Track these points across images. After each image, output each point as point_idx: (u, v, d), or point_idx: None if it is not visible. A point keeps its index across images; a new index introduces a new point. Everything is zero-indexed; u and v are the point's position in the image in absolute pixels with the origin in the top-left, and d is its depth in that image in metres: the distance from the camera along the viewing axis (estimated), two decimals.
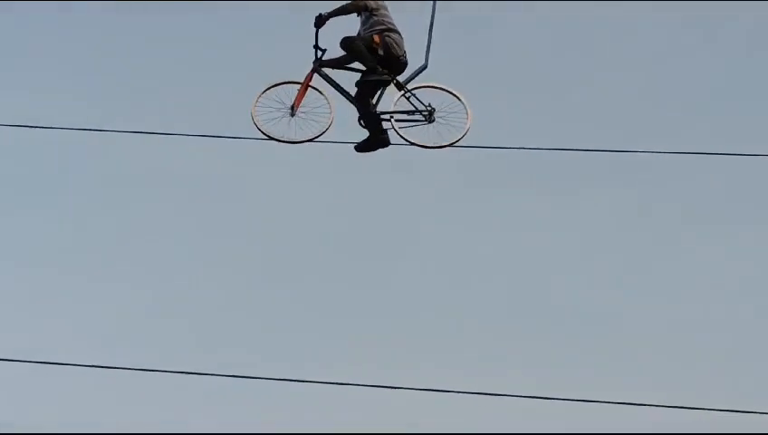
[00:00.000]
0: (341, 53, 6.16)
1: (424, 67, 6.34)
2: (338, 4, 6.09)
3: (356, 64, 6.17)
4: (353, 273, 12.58)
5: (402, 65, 6.26)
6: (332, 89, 6.17)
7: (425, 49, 6.33)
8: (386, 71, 6.12)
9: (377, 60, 6.09)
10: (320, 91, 6.13)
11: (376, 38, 6.11)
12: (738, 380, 10.51)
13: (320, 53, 6.13)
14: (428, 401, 5.66)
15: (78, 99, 13.03)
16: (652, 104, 13.63)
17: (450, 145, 6.22)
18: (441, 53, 6.47)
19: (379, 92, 6.18)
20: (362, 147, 6.23)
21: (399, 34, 6.25)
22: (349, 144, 6.18)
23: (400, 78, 6.26)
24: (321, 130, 6.03)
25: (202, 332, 11.55)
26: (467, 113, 6.24)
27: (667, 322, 11.62)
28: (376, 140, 6.19)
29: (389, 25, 6.21)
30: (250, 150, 6.47)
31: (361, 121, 6.17)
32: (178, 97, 13.40)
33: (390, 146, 6.20)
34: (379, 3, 6.24)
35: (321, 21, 6.00)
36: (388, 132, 6.20)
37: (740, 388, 10.12)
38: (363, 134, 6.16)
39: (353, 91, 6.15)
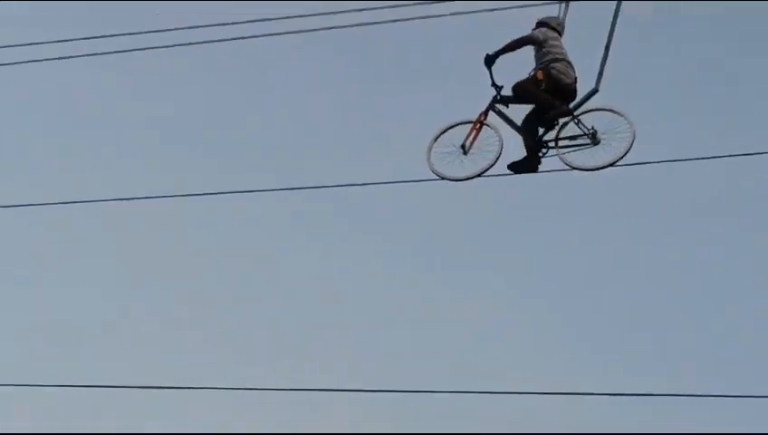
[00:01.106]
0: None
1: (595, 91, 6.38)
2: (509, 42, 6.55)
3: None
4: None
5: (572, 93, 6.40)
6: (498, 117, 6.61)
7: (604, 67, 6.37)
8: (558, 102, 6.33)
9: (549, 94, 6.37)
10: (490, 127, 6.61)
11: (539, 75, 6.41)
12: None
13: (496, 90, 6.63)
14: None
15: None
16: None
17: (611, 165, 6.13)
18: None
19: (553, 117, 6.43)
20: (513, 166, 6.54)
21: (568, 62, 6.43)
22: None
23: (572, 104, 6.41)
24: (491, 164, 6.49)
25: None
26: (632, 132, 6.08)
27: None
28: (528, 164, 6.45)
29: (557, 55, 6.44)
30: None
31: (527, 142, 6.50)
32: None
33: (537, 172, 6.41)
34: (548, 35, 6.52)
35: (489, 60, 6.48)
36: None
37: None
38: None
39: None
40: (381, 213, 13.08)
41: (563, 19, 6.67)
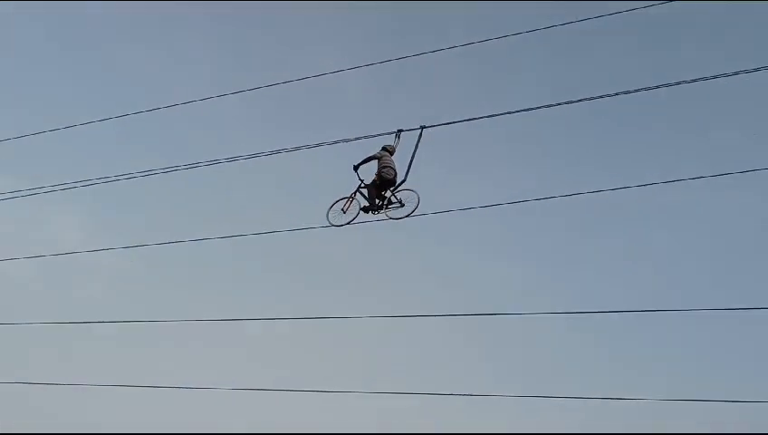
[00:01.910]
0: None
1: (403, 181, 12.79)
2: (365, 157, 13.08)
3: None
4: None
5: (393, 182, 12.82)
6: (360, 196, 13.04)
7: (409, 169, 12.82)
8: (380, 185, 12.78)
9: (381, 182, 12.82)
10: (355, 198, 13.06)
11: (376, 177, 12.91)
12: None
13: (360, 182, 13.11)
14: None
15: None
16: None
17: (408, 216, 12.45)
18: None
19: (384, 194, 12.83)
20: (367, 210, 12.87)
21: (392, 168, 12.87)
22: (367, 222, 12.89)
23: (393, 187, 12.82)
24: (354, 217, 12.89)
25: None
26: (417, 199, 12.45)
27: None
28: (373, 210, 12.81)
29: (386, 163, 12.91)
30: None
31: (368, 206, 12.88)
32: None
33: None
34: (384, 154, 13.02)
35: (356, 168, 13.08)
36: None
37: None
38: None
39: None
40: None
41: (396, 145, 13.17)
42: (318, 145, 13.06)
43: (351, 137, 12.76)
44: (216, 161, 13.31)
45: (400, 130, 13.19)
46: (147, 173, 13.81)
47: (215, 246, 12.73)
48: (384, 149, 13.15)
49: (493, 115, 12.23)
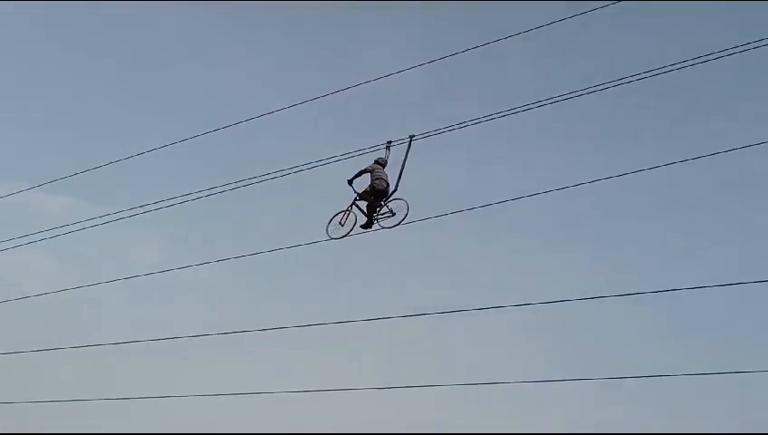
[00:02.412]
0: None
1: (395, 190, 13.26)
2: (357, 171, 13.59)
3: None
4: None
5: (385, 193, 13.30)
6: (356, 209, 13.57)
7: (400, 179, 13.30)
8: (373, 197, 13.28)
9: (373, 194, 13.33)
10: (351, 211, 13.59)
11: (369, 188, 13.40)
12: None
13: (355, 194, 13.64)
14: None
15: None
16: None
17: (397, 225, 12.91)
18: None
19: (375, 206, 13.33)
20: (363, 226, 13.38)
21: (383, 179, 13.35)
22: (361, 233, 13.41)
23: (385, 198, 13.31)
24: (350, 229, 13.45)
25: None
26: (407, 208, 12.90)
27: None
28: (369, 225, 13.30)
29: (378, 175, 13.40)
30: None
31: (366, 222, 13.39)
32: None
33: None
34: (376, 166, 13.51)
35: (350, 181, 13.62)
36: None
37: None
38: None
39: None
40: None
41: (387, 157, 13.65)
42: (388, 145, 13.69)
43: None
44: (294, 169, 13.81)
45: (390, 142, 13.69)
46: (222, 189, 14.39)
47: (295, 254, 13.44)
48: (376, 162, 13.64)
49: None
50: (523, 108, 12.08)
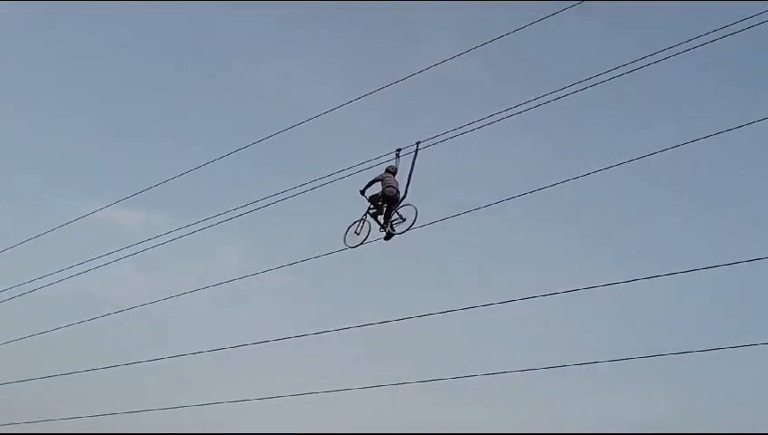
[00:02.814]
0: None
1: (404, 197, 13.63)
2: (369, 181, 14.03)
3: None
4: None
5: (395, 200, 13.69)
6: (370, 217, 13.99)
7: (408, 185, 13.67)
8: (386, 204, 13.69)
9: (385, 201, 13.74)
10: (366, 220, 14.03)
11: (379, 195, 13.81)
12: None
13: (369, 203, 14.07)
14: None
15: None
16: None
17: (407, 230, 13.28)
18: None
19: (388, 213, 13.74)
20: (386, 238, 13.78)
21: (394, 187, 13.75)
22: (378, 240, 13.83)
23: (396, 205, 13.70)
24: (366, 237, 13.89)
25: None
26: (415, 212, 13.26)
27: None
28: (388, 236, 13.72)
29: (389, 183, 13.81)
30: None
31: (382, 225, 13.81)
32: None
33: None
34: (385, 175, 13.92)
35: (362, 191, 14.08)
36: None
37: None
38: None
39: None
40: None
41: (397, 165, 14.04)
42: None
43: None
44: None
45: (399, 150, 14.08)
46: (294, 192, 14.68)
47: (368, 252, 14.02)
48: (387, 170, 14.05)
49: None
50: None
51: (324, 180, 14.24)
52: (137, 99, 37.26)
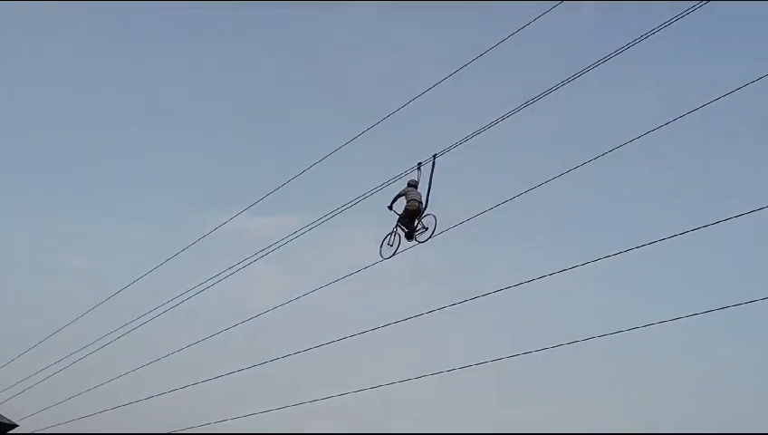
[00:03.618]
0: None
1: (425, 208, 14.86)
2: (393, 196, 15.34)
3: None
4: None
5: (418, 212, 14.94)
6: (399, 228, 15.28)
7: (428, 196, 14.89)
8: (408, 218, 14.98)
9: (408, 215, 15.03)
10: (396, 232, 15.33)
11: (404, 210, 15.11)
12: None
13: (398, 217, 15.37)
14: None
15: None
16: None
17: (428, 239, 14.51)
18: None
19: (413, 224, 15.02)
20: (408, 239, 15.06)
21: (417, 200, 15.00)
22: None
23: (419, 216, 14.95)
24: (396, 249, 15.22)
25: None
26: (435, 223, 14.48)
27: None
28: (410, 238, 14.97)
29: (411, 197, 15.08)
30: None
31: (407, 234, 15.10)
32: None
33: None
34: (408, 190, 15.19)
35: (390, 207, 15.42)
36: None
37: None
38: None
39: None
40: None
41: (419, 178, 15.27)
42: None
43: None
44: None
45: (420, 163, 15.29)
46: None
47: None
48: (409, 184, 15.30)
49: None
50: None
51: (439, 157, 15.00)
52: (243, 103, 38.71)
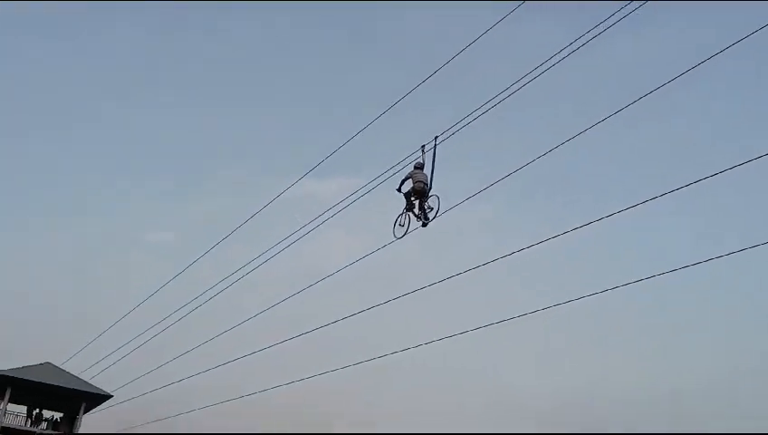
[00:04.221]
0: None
1: (430, 189, 15.54)
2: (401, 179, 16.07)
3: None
4: None
5: (424, 192, 15.65)
6: (405, 207, 16.04)
7: (432, 177, 15.58)
8: (416, 198, 15.71)
9: (415, 195, 15.76)
10: (406, 213, 16.10)
11: (412, 190, 15.83)
12: None
13: (406, 199, 16.12)
14: None
15: None
16: None
17: (433, 220, 15.22)
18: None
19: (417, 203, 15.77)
20: (423, 226, 15.80)
21: (422, 181, 15.70)
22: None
23: (424, 196, 15.67)
24: (408, 228, 16.00)
25: None
26: (438, 203, 15.19)
27: None
28: (424, 223, 15.73)
29: (418, 179, 15.80)
30: None
31: (417, 215, 15.85)
32: None
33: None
34: (414, 172, 15.91)
35: (398, 189, 16.18)
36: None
37: None
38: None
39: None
40: None
41: (423, 159, 15.95)
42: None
43: None
44: None
45: (424, 145, 15.96)
46: None
47: None
48: (415, 166, 16.00)
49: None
50: None
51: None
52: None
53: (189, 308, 25.54)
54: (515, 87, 14.15)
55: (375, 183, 16.95)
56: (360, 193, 17.37)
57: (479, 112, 14.80)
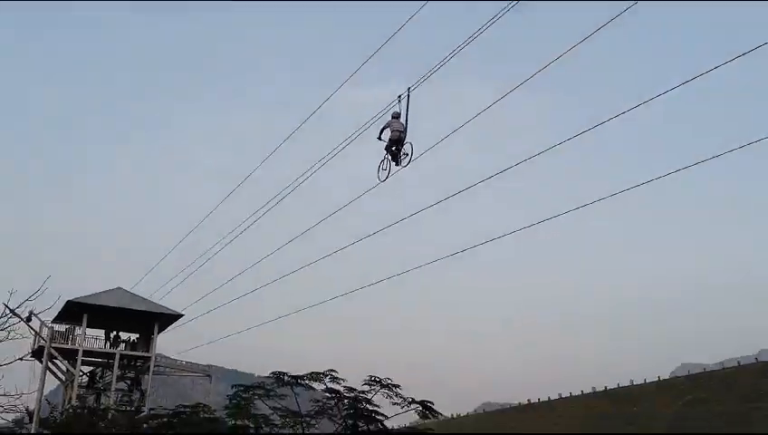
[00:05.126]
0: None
1: (405, 136, 17.19)
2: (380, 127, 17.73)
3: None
4: None
5: (401, 140, 17.33)
6: (386, 153, 17.75)
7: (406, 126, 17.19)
8: (395, 145, 17.40)
9: (393, 143, 17.45)
10: (386, 159, 17.83)
11: (389, 139, 17.50)
12: None
13: (385, 144, 17.82)
14: None
15: None
16: None
17: (408, 163, 16.95)
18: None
19: (395, 149, 17.45)
20: (396, 162, 17.54)
21: (400, 131, 17.34)
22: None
23: (401, 144, 17.34)
24: (389, 172, 17.76)
25: None
26: (411, 149, 16.90)
27: None
28: (395, 163, 17.45)
29: (395, 127, 17.46)
30: None
31: (391, 157, 17.58)
32: None
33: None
34: (391, 121, 17.53)
35: (379, 137, 17.88)
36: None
37: None
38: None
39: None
40: None
41: (400, 111, 17.50)
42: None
43: None
44: None
45: (400, 96, 17.48)
46: None
47: None
48: (393, 116, 17.60)
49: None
50: None
51: None
52: None
53: (247, 224, 27.18)
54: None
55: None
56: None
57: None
